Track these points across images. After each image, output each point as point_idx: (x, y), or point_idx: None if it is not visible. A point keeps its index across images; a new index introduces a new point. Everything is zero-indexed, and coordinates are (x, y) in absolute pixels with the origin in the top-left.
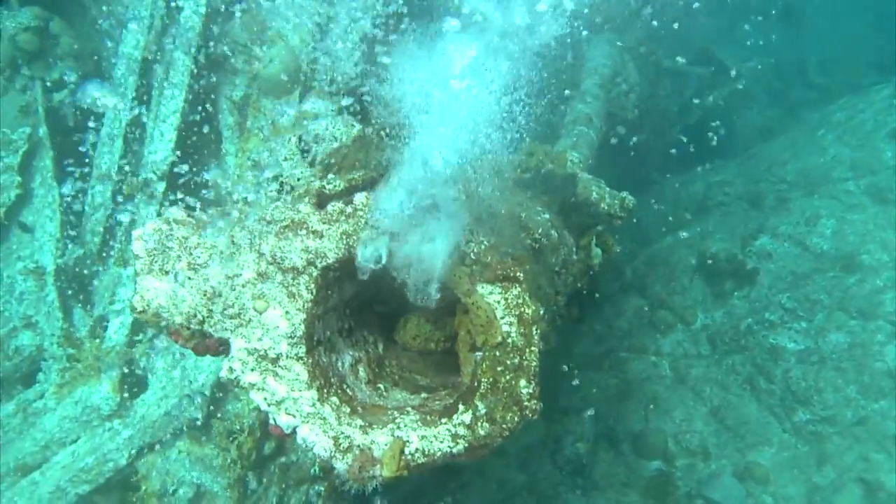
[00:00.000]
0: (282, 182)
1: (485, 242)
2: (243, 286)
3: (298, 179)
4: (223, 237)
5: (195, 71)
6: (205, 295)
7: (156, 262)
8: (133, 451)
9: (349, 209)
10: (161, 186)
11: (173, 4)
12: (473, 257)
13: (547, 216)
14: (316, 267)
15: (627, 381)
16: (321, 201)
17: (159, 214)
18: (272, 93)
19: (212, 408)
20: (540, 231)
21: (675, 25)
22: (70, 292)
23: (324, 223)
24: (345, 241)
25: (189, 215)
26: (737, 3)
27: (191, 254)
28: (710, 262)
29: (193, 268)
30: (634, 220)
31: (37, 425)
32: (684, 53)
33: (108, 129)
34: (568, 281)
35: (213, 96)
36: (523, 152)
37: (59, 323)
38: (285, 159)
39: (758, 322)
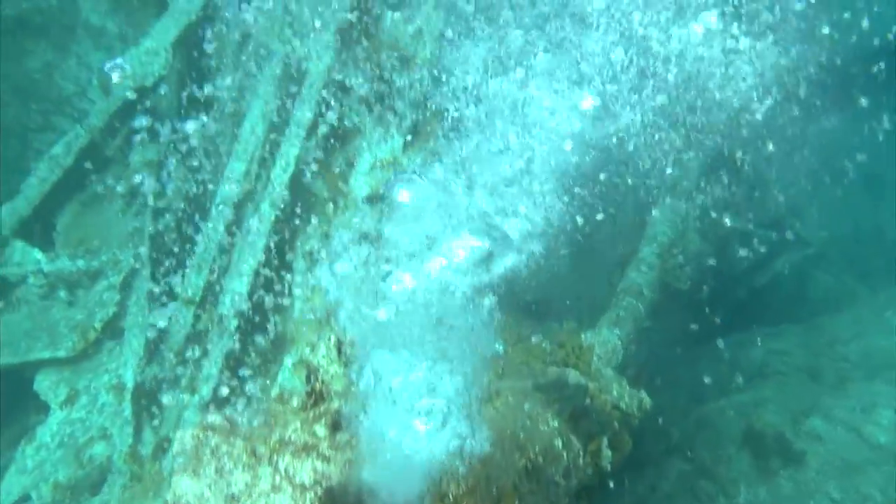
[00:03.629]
0: (312, 386)
1: (462, 486)
2: (259, 495)
3: (332, 377)
4: (248, 449)
5: (277, 223)
6: (226, 498)
7: (189, 464)
8: None
9: (354, 441)
10: (234, 323)
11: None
12: (452, 498)
13: (555, 423)
14: (321, 486)
15: None
16: (335, 422)
17: (230, 350)
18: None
19: None
20: (538, 448)
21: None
22: (145, 411)
23: (332, 449)
24: (347, 467)
25: (226, 419)
26: (820, 168)
27: (219, 460)
28: (756, 435)
29: (220, 473)
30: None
31: None
32: (757, 216)
33: (199, 257)
34: (572, 484)
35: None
36: (555, 341)
37: (129, 440)
38: (323, 357)
39: None
